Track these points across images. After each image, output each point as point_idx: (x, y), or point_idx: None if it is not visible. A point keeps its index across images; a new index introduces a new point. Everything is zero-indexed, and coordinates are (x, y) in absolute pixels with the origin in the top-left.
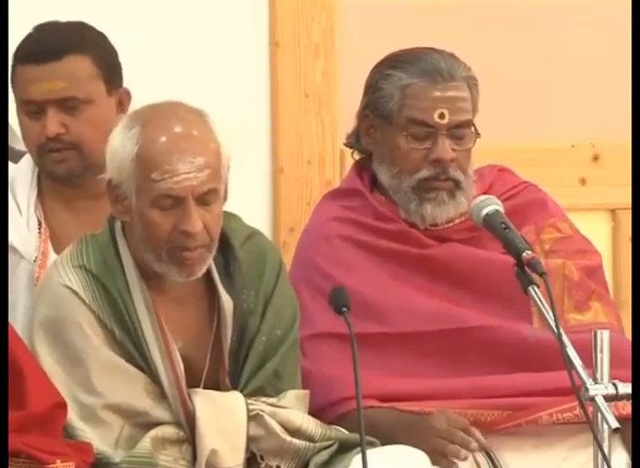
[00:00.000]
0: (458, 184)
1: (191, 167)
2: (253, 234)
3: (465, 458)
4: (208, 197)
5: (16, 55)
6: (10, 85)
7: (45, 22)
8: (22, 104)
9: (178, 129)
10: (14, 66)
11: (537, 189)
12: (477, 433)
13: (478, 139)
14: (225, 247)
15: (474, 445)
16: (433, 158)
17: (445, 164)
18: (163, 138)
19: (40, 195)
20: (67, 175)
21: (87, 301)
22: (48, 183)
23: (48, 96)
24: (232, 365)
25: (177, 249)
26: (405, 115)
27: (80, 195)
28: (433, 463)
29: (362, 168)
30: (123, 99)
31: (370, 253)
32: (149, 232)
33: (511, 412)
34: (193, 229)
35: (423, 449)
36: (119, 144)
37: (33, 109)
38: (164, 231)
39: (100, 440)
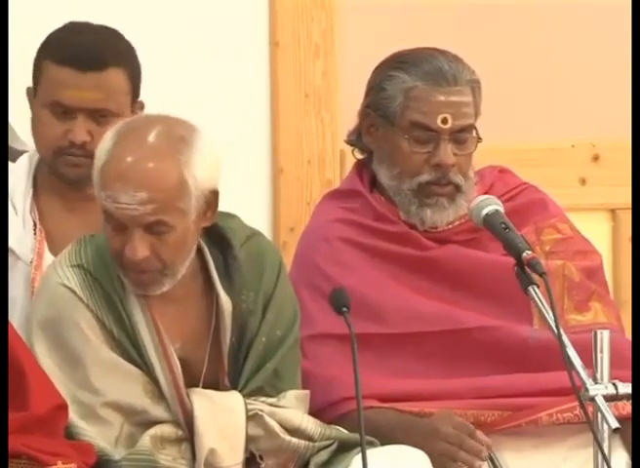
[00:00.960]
0: (458, 188)
1: (132, 199)
2: (252, 234)
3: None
4: (156, 227)
5: (47, 52)
6: (33, 80)
7: (77, 23)
8: (50, 104)
9: (135, 157)
10: (41, 62)
11: (537, 190)
12: (484, 436)
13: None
14: (225, 247)
15: (485, 453)
16: (435, 162)
17: (446, 169)
18: (119, 163)
19: (35, 196)
20: (78, 178)
21: (85, 300)
22: (47, 184)
23: (82, 104)
24: (232, 365)
25: (127, 267)
26: (408, 118)
27: (81, 197)
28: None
29: (362, 168)
30: (135, 112)
31: (370, 254)
32: (108, 243)
33: (511, 413)
34: (134, 257)
35: (427, 453)
36: (99, 151)
37: (60, 111)
38: (117, 248)
39: (100, 438)
